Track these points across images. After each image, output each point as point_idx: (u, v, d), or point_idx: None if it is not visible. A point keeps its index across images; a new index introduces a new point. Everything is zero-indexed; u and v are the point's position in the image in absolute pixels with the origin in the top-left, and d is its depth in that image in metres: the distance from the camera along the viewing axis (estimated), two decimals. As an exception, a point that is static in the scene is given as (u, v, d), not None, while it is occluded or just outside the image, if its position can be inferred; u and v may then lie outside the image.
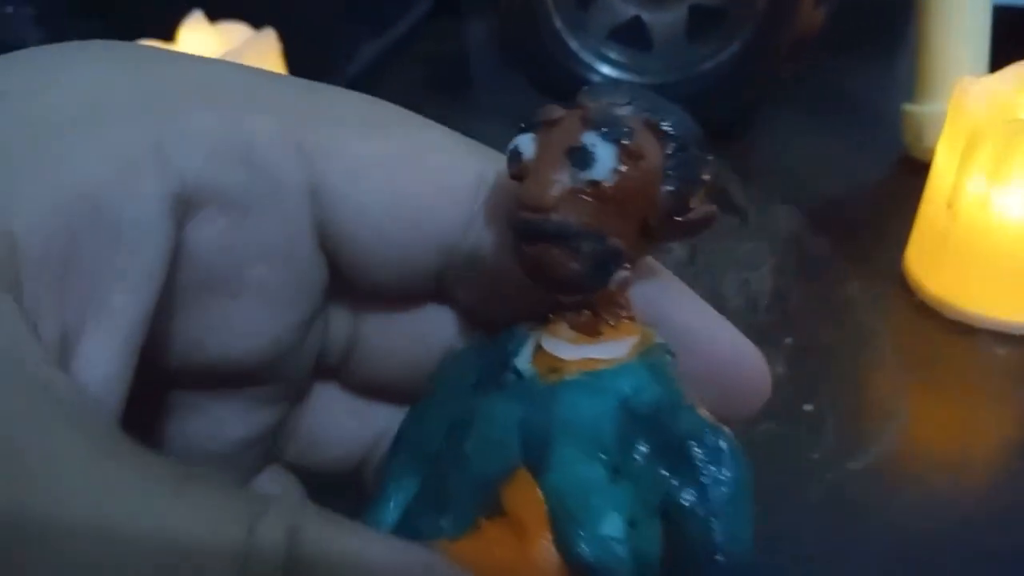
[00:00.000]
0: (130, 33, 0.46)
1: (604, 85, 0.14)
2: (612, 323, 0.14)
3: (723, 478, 0.13)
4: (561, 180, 0.13)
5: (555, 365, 0.14)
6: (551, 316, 0.14)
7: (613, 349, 0.14)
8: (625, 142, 0.13)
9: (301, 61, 0.49)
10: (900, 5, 0.52)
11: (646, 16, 0.51)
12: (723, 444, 0.13)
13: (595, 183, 0.13)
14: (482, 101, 0.62)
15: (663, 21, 0.51)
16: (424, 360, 0.17)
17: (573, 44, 0.51)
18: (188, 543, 0.10)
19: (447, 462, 0.15)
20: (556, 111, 0.13)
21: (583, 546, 0.13)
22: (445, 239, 0.15)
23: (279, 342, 0.16)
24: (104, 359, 0.13)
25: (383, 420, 0.18)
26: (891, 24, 0.60)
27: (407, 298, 0.17)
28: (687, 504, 0.13)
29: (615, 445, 0.13)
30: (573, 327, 0.14)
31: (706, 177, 0.14)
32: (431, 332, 0.17)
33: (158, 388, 0.16)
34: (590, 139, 0.13)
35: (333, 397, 0.19)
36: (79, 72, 0.14)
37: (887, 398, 0.37)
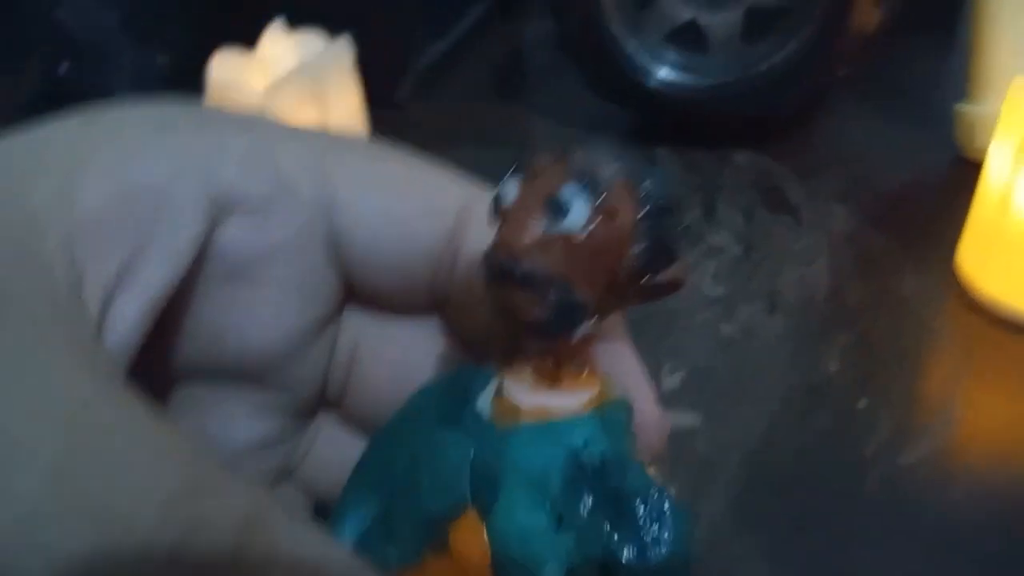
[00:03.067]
0: (212, 41, 0.49)
1: (595, 144, 0.14)
2: (573, 374, 0.15)
3: (663, 539, 0.13)
4: (535, 228, 0.13)
5: (512, 409, 0.14)
6: (515, 360, 0.15)
7: (569, 400, 0.14)
8: (601, 198, 0.13)
9: (374, 62, 0.52)
10: (954, 4, 0.53)
11: (702, 19, 0.52)
12: (666, 505, 0.14)
13: (568, 234, 0.13)
14: (539, 101, 0.64)
15: (719, 23, 0.52)
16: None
17: (630, 47, 0.53)
18: (124, 487, 0.11)
19: (401, 493, 0.15)
20: (542, 161, 0.14)
21: None
22: (432, 251, 0.18)
23: (290, 339, 0.18)
24: (128, 318, 0.15)
25: None
26: (946, 22, 0.60)
27: (404, 320, 0.19)
28: (626, 561, 0.13)
29: (561, 495, 0.14)
30: (535, 373, 0.15)
31: (675, 245, 0.14)
32: (421, 367, 0.19)
33: (174, 385, 0.18)
34: (568, 191, 0.13)
35: (335, 431, 0.20)
36: (151, 109, 0.17)
37: (939, 394, 0.39)
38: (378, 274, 0.18)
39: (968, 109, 0.51)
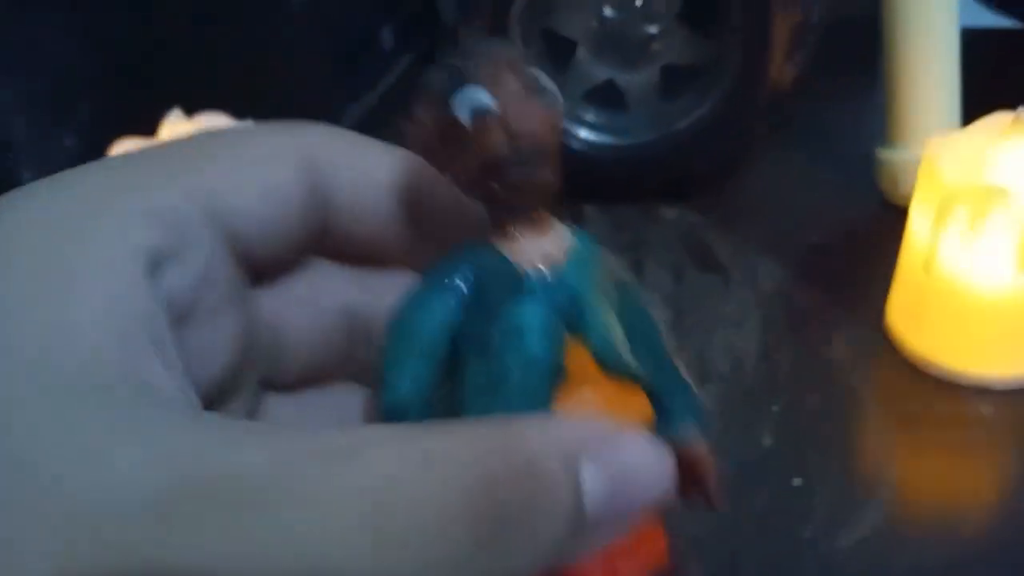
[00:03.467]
0: (111, 130, 0.47)
1: (470, 44, 0.17)
2: (550, 219, 0.18)
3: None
4: (539, 112, 0.16)
5: (543, 260, 0.17)
6: (511, 227, 0.17)
7: (565, 234, 0.18)
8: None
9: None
10: (870, 48, 0.53)
11: (619, 78, 0.52)
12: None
13: (554, 109, 0.16)
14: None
15: (636, 82, 0.52)
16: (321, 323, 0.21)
17: (550, 108, 0.52)
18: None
19: (504, 375, 0.17)
20: (487, 66, 0.16)
21: (625, 361, 0.17)
22: (297, 201, 0.19)
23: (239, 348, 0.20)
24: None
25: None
26: (864, 66, 0.60)
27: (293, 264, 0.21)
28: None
29: (610, 293, 0.18)
30: (536, 229, 0.17)
31: None
32: (323, 298, 0.21)
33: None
34: (539, 76, 0.16)
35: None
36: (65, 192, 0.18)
37: (875, 464, 0.38)
38: (266, 239, 0.20)
39: (889, 155, 0.51)
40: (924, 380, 0.41)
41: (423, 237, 0.21)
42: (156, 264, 0.17)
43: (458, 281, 0.18)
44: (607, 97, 0.52)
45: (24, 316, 0.15)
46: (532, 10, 0.49)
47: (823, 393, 0.41)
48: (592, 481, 0.14)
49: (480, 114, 0.16)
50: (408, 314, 0.18)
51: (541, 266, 0.17)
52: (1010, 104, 0.39)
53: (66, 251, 0.16)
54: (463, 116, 0.16)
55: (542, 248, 0.17)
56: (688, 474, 0.18)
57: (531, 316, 0.17)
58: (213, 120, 0.47)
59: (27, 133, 0.58)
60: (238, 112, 0.48)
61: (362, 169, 0.20)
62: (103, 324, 0.15)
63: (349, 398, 0.22)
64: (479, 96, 0.16)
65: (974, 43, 0.53)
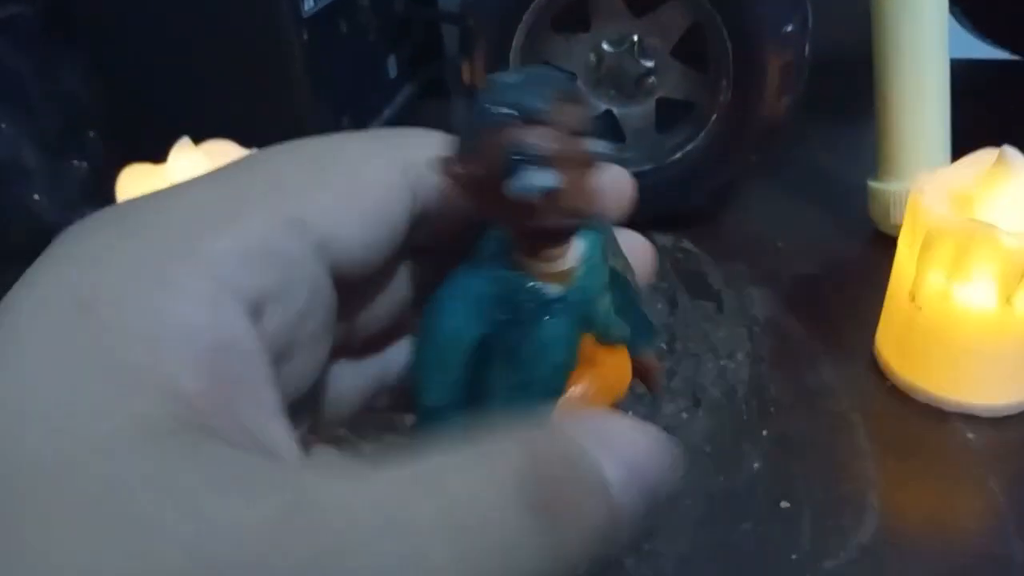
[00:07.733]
0: (119, 157, 0.49)
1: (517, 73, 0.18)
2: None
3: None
4: (595, 188, 0.18)
5: (561, 278, 0.19)
6: (533, 252, 0.19)
7: (578, 245, 0.20)
8: None
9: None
10: (862, 81, 0.54)
11: (616, 110, 0.53)
12: None
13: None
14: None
15: (633, 114, 0.53)
16: (395, 307, 0.22)
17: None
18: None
19: (532, 379, 0.20)
20: (553, 135, 0.17)
21: (617, 332, 0.20)
22: (401, 218, 0.20)
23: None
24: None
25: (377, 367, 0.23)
26: (855, 99, 0.62)
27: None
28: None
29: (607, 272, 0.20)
30: (555, 252, 0.19)
31: None
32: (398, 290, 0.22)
33: None
34: (597, 145, 0.18)
35: (339, 369, 0.23)
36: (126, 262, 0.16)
37: (862, 487, 0.39)
38: (370, 264, 0.20)
39: (880, 186, 0.52)
40: (912, 406, 0.42)
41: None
42: (258, 307, 0.17)
43: (486, 295, 0.19)
44: (605, 128, 0.54)
45: (109, 374, 0.14)
46: (532, 44, 0.51)
47: (811, 419, 0.42)
48: (615, 478, 0.16)
49: (545, 193, 0.17)
50: (441, 323, 0.20)
51: (560, 283, 0.19)
52: (1001, 135, 0.41)
53: (153, 299, 0.15)
54: (530, 192, 0.17)
55: (560, 266, 0.19)
56: (642, 374, 0.22)
57: (555, 331, 0.20)
58: (221, 148, 0.48)
59: (38, 160, 0.60)
60: (244, 140, 0.50)
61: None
62: (200, 371, 0.15)
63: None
64: (545, 177, 0.16)
65: (967, 74, 0.54)
